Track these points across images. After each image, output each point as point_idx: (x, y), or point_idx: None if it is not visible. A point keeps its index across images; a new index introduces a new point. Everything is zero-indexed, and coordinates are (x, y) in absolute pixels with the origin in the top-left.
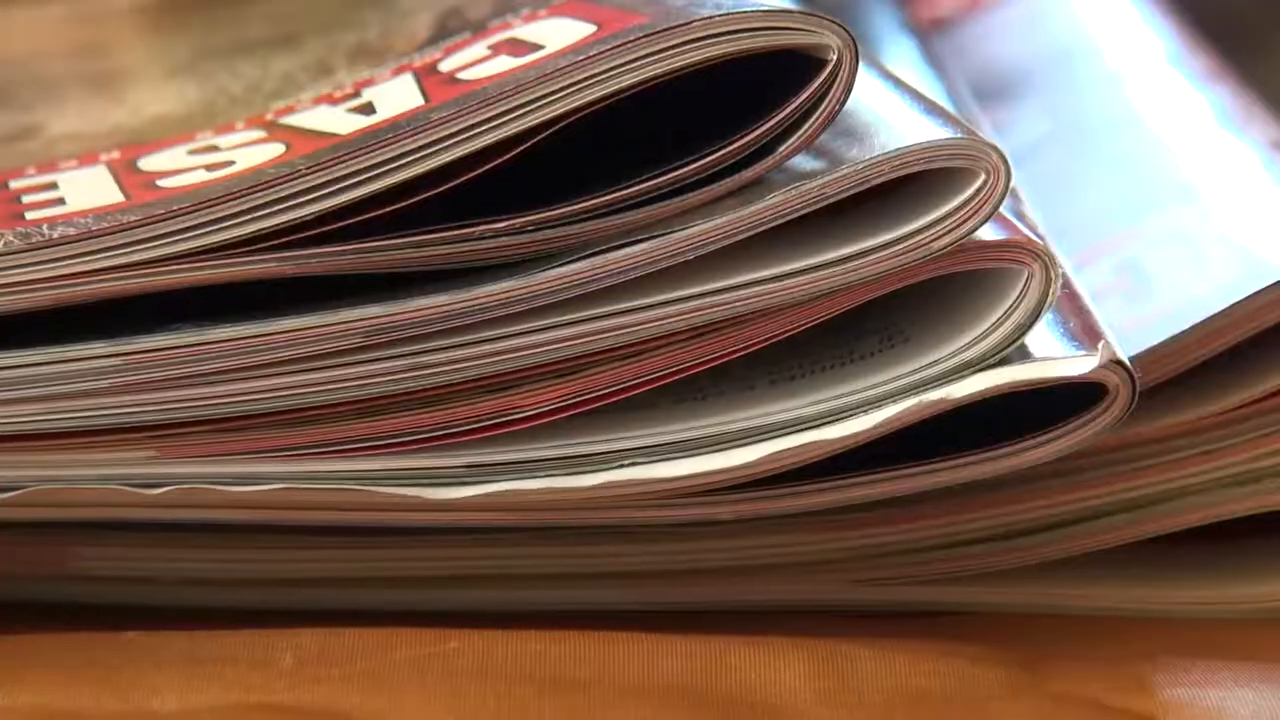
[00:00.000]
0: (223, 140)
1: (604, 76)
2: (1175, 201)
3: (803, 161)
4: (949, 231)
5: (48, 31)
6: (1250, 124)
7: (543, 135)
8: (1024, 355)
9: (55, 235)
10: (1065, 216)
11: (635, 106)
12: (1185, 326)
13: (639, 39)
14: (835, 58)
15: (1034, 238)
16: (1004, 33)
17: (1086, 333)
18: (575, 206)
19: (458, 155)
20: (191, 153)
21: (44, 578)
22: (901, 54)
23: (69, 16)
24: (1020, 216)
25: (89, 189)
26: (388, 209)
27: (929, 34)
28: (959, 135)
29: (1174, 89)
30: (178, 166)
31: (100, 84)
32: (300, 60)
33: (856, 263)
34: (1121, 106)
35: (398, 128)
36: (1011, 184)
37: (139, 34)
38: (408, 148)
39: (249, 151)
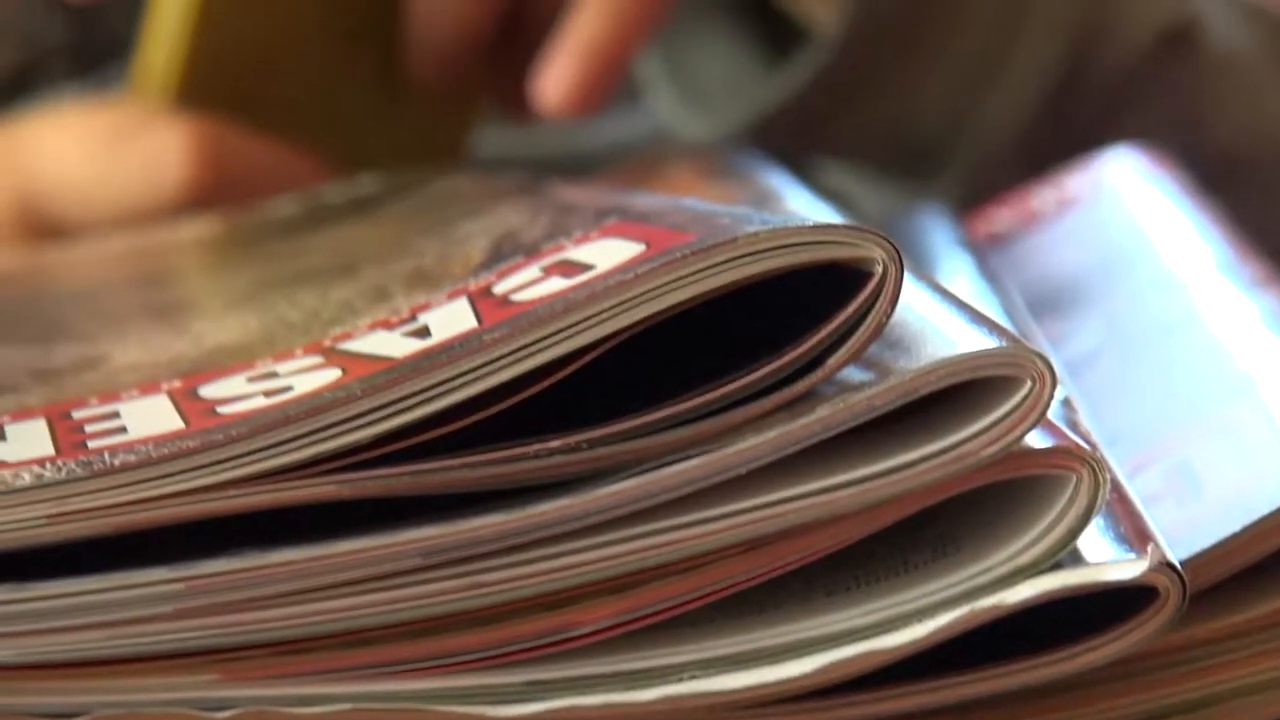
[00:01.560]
0: (281, 367)
1: (651, 294)
2: (1225, 401)
3: (851, 373)
4: (997, 440)
5: (112, 265)
6: None
7: (595, 353)
8: (1075, 559)
9: (116, 463)
10: (1118, 424)
11: (682, 314)
12: (1236, 529)
13: (686, 256)
14: (881, 270)
15: (1081, 443)
16: (1058, 246)
17: (1137, 536)
18: (629, 424)
19: (511, 375)
20: (251, 380)
21: None
22: (958, 269)
23: (133, 250)
24: (1073, 425)
25: (150, 417)
26: (445, 429)
27: (985, 249)
28: (1004, 344)
29: (1225, 294)
30: (237, 393)
31: (163, 315)
32: (358, 288)
33: (906, 473)
34: (1174, 313)
35: (451, 349)
36: (1060, 391)
37: (202, 266)
38: (461, 369)
39: (307, 377)
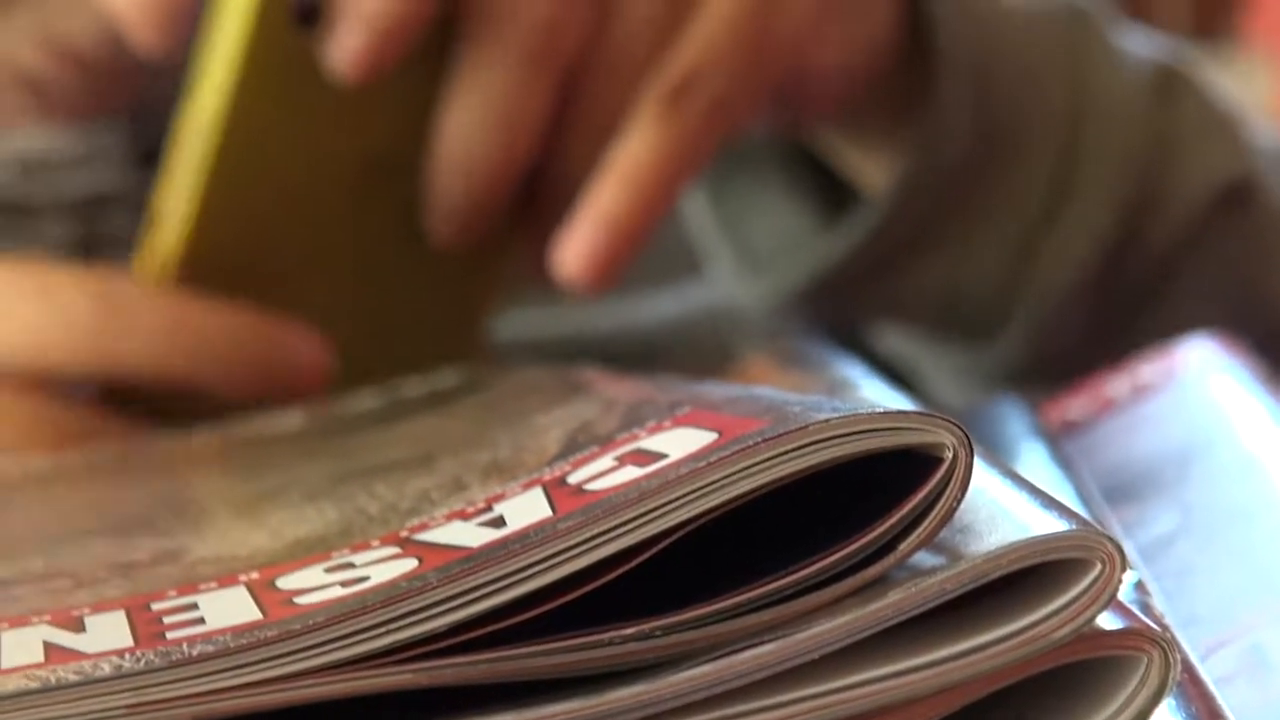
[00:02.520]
0: (359, 558)
1: (724, 482)
2: None
3: (922, 557)
4: (1068, 622)
5: (193, 459)
6: None
7: (668, 541)
8: None
9: (195, 653)
10: (1193, 607)
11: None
12: None
13: (758, 444)
14: (951, 455)
15: (1152, 625)
16: (1133, 432)
17: (1209, 716)
18: (703, 610)
19: (585, 564)
20: (328, 570)
21: None
22: (1031, 456)
23: (215, 444)
24: (1145, 608)
25: (228, 608)
26: (520, 617)
27: (1060, 436)
28: (1074, 527)
29: None
30: (315, 584)
31: (242, 508)
32: (435, 479)
33: (978, 655)
34: (1251, 497)
35: (526, 539)
36: (1132, 574)
37: (282, 460)
38: (535, 558)
39: (384, 567)
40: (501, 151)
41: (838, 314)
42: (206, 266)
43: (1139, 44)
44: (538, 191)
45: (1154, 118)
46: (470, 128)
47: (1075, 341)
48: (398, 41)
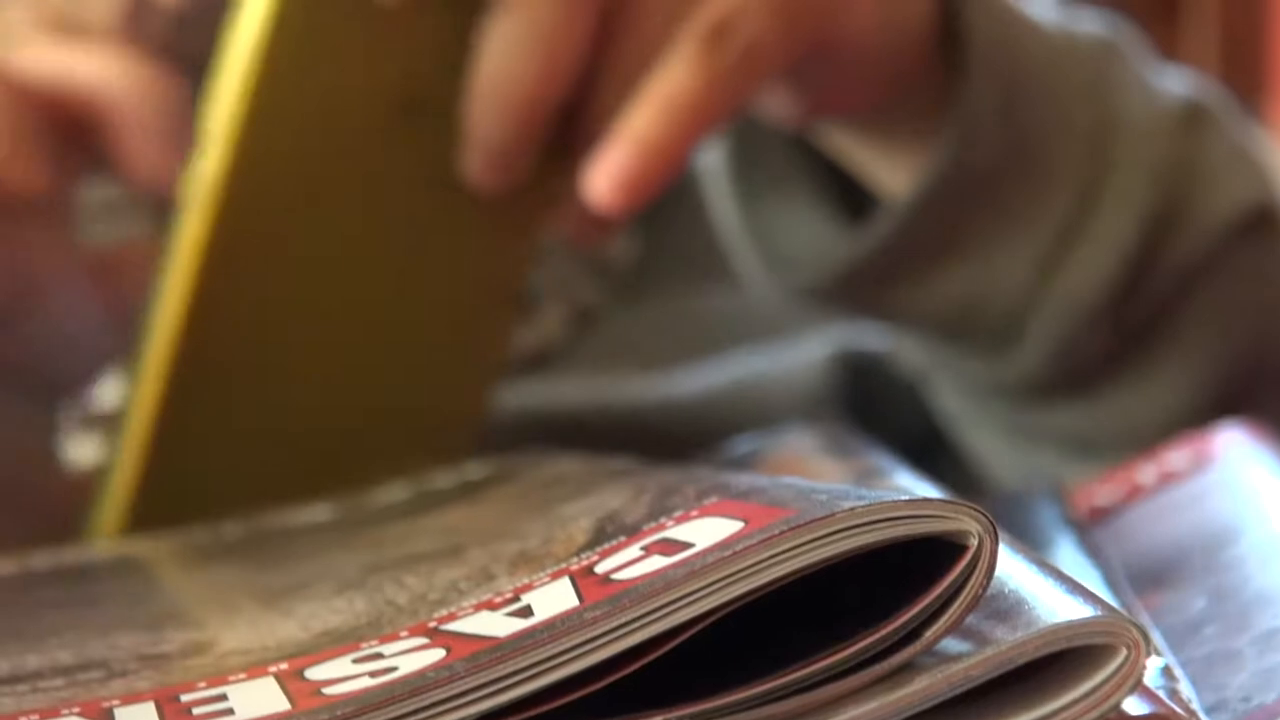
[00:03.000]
0: (387, 648)
1: (750, 571)
2: None
3: (948, 643)
4: (1094, 708)
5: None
6: None
7: (696, 629)
8: None
9: None
10: (1220, 693)
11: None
12: None
13: (784, 533)
14: (976, 543)
15: (1178, 710)
16: (1161, 518)
17: None
18: (730, 699)
19: (611, 653)
20: (356, 661)
21: None
22: (1058, 542)
23: (243, 537)
24: (1172, 693)
25: (257, 699)
26: (548, 705)
27: (1088, 523)
28: (1100, 613)
29: None
30: (343, 674)
31: (271, 600)
32: (464, 570)
33: None
34: (1277, 580)
35: (553, 628)
36: (1158, 659)
37: (311, 551)
38: (562, 646)
39: (412, 657)
40: (541, 80)
41: (862, 314)
42: (245, 193)
43: (1170, 79)
44: (574, 132)
45: (1180, 141)
46: (511, 56)
47: (1094, 357)
48: None
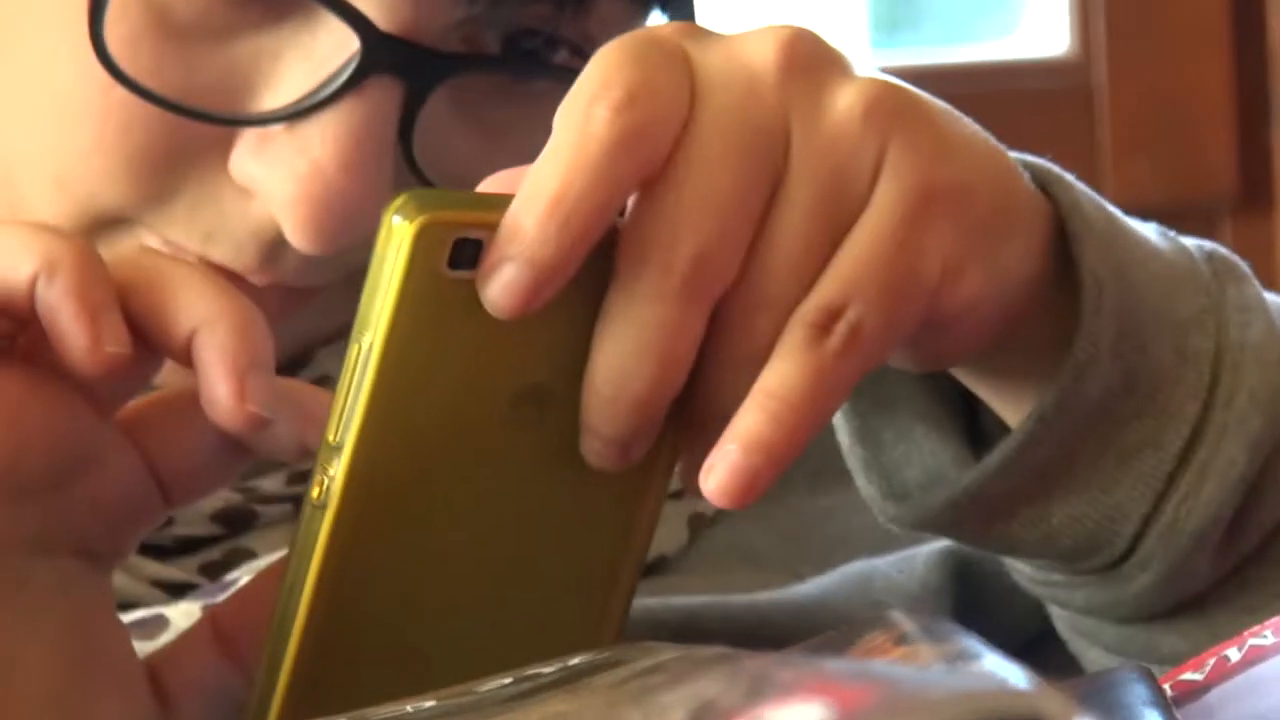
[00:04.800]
0: None
1: None
2: None
3: None
4: None
5: None
6: None
7: None
8: None
9: None
10: None
11: None
12: None
13: (874, 716)
14: None
15: None
16: (1248, 694)
17: None
18: None
19: None
20: None
21: None
22: None
23: None
24: None
25: None
26: None
27: (1175, 702)
28: None
29: None
30: None
31: None
32: None
33: None
34: None
35: None
36: None
37: None
38: None
39: None
40: (654, 380)
41: (977, 544)
42: (367, 495)
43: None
44: (686, 412)
45: None
46: (623, 361)
47: (1205, 580)
48: (553, 277)
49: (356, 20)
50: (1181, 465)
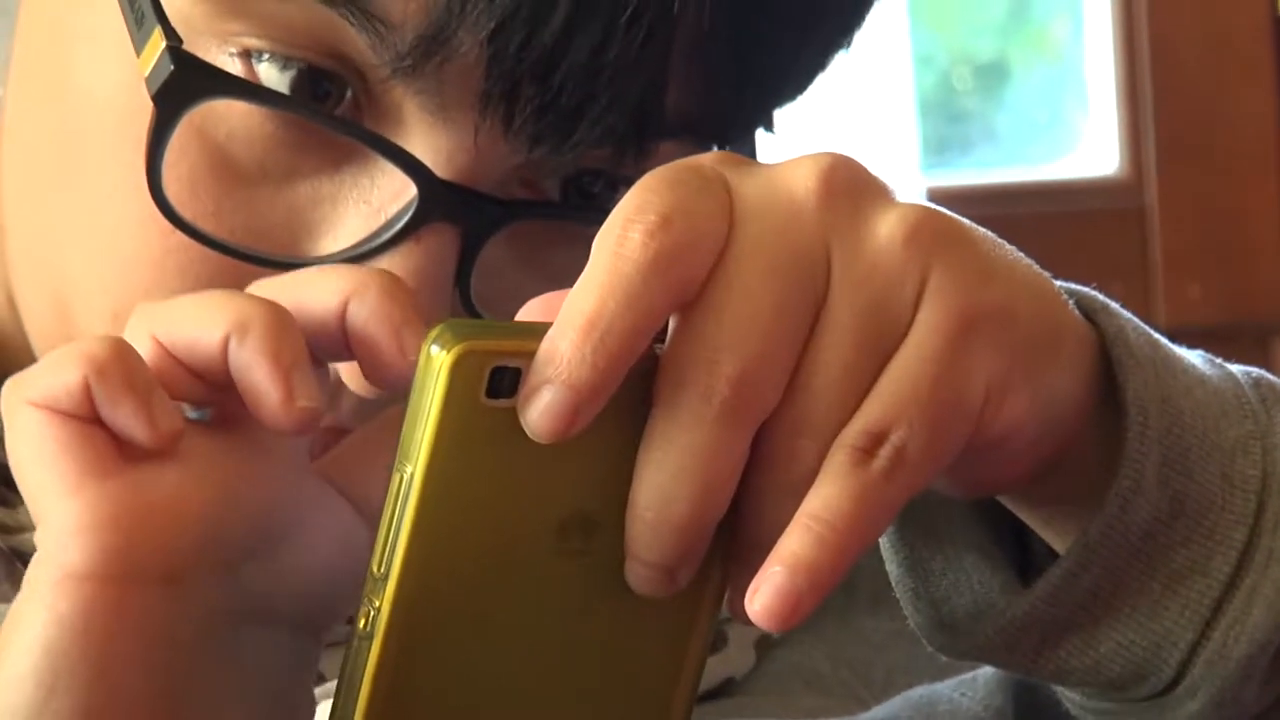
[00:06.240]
0: None
1: None
2: None
3: None
4: None
5: None
6: None
7: None
8: None
9: None
10: None
11: None
12: None
13: None
14: None
15: None
16: None
17: None
18: None
19: None
20: None
21: None
22: None
23: None
24: None
25: None
26: None
27: None
28: None
29: None
30: None
31: None
32: None
33: None
34: None
35: None
36: None
37: None
38: None
39: None
40: (697, 504)
41: (1026, 673)
42: (413, 626)
43: None
44: (732, 535)
45: None
46: (665, 486)
47: (1253, 707)
48: (592, 399)
49: (414, 168)
50: (1229, 592)
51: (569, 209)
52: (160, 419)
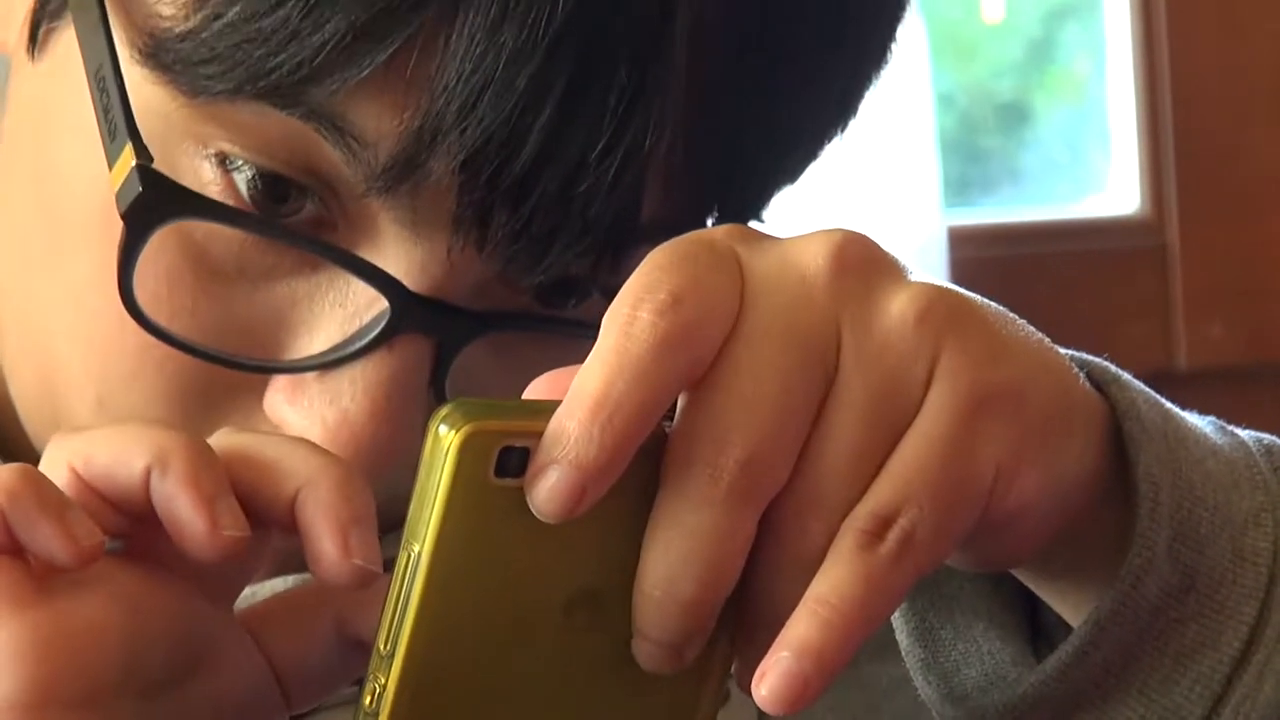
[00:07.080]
0: None
1: None
2: None
3: None
4: None
5: None
6: None
7: None
8: None
9: None
10: None
11: None
12: None
13: None
14: None
15: None
16: None
17: None
18: None
19: None
20: None
21: None
22: None
23: None
24: None
25: None
26: None
27: None
28: None
29: None
30: None
31: None
32: None
33: None
34: None
35: None
36: None
37: None
38: None
39: None
40: (703, 585)
41: None
42: (418, 704)
43: None
44: (740, 613)
45: None
46: (671, 565)
47: None
48: (599, 479)
49: (385, 283)
50: (1239, 667)
51: (544, 321)
52: (80, 535)
